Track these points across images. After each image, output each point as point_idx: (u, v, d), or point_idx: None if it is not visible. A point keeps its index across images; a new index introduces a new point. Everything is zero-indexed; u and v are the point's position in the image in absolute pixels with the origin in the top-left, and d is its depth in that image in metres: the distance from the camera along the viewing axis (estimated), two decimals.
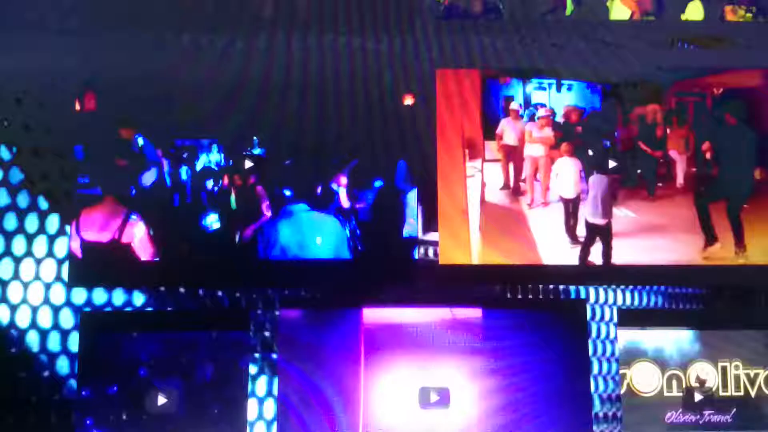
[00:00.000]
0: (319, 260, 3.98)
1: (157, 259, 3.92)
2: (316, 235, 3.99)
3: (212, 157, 4.04)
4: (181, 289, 3.88)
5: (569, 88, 4.16)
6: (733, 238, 4.02)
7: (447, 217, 3.99)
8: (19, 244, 3.86)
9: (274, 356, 3.83)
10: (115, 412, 3.82)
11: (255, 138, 4.09)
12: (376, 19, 4.17)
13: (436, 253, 3.97)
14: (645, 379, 3.91)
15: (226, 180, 4.01)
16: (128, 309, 3.85)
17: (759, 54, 4.20)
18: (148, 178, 3.97)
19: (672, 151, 4.12)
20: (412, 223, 4.00)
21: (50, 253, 3.88)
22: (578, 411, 3.88)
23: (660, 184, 4.09)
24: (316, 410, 3.82)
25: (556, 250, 3.98)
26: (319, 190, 4.07)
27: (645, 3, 4.29)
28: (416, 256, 3.96)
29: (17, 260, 3.85)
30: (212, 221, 3.95)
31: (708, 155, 4.08)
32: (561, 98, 4.16)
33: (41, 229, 3.89)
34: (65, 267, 3.85)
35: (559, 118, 4.14)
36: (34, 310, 3.81)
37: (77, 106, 4.00)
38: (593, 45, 4.17)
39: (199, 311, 3.88)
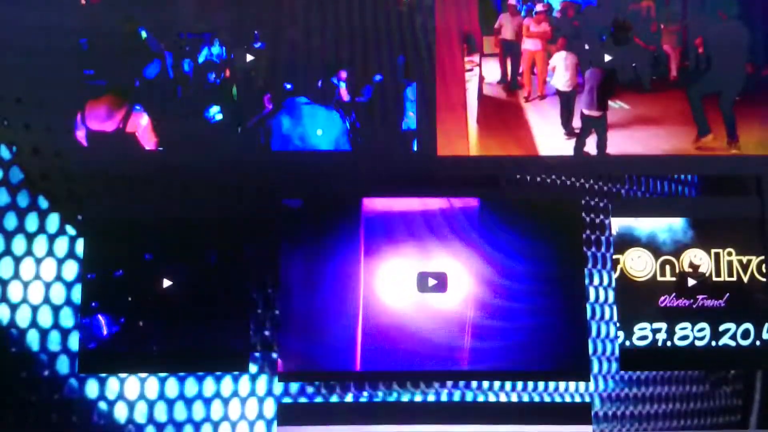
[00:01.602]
0: (320, 151, 4.40)
1: (161, 148, 4.32)
2: (317, 128, 4.41)
3: (214, 50, 4.44)
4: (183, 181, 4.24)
5: None
6: (726, 129, 4.42)
7: (445, 111, 4.42)
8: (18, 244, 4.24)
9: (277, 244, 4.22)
10: (120, 295, 4.19)
11: (255, 32, 4.47)
12: None
13: (434, 145, 4.36)
14: (638, 265, 4.33)
15: (228, 73, 4.41)
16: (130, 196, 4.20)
17: None
18: (152, 70, 4.38)
19: (666, 45, 4.53)
20: (411, 116, 4.40)
21: (50, 253, 4.26)
22: (572, 298, 4.28)
23: (654, 78, 4.50)
24: (318, 293, 4.24)
25: (552, 141, 4.39)
26: (319, 83, 4.48)
27: None
28: (415, 148, 4.36)
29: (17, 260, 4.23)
30: (215, 112, 4.36)
31: (700, 50, 4.49)
32: None
33: (41, 229, 4.26)
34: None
35: (556, 13, 4.54)
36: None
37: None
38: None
39: (201, 200, 4.26)
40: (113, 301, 4.23)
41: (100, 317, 4.22)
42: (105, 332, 4.23)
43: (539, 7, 4.65)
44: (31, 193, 4.28)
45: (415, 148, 4.47)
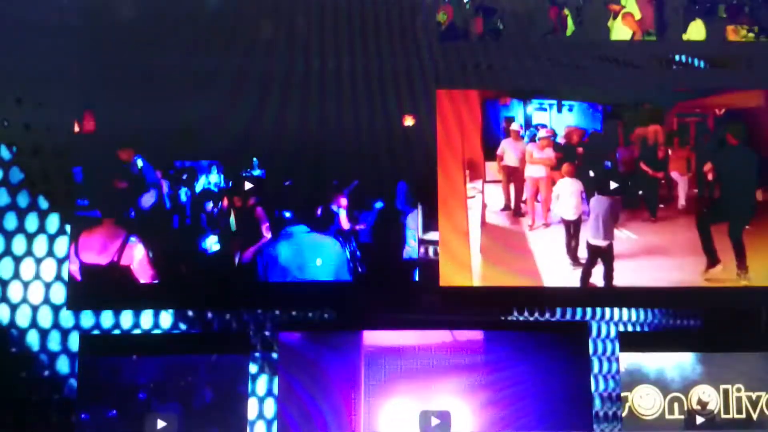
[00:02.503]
0: (319, 282, 4.48)
1: (157, 281, 4.41)
2: (317, 257, 4.51)
3: (212, 179, 4.56)
4: (180, 312, 4.34)
5: (570, 109, 4.72)
6: (735, 259, 4.51)
7: (447, 239, 4.51)
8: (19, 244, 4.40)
9: (275, 379, 4.31)
10: None
11: (255, 159, 4.58)
12: (376, 40, 4.69)
13: (436, 275, 4.45)
14: (647, 403, 4.40)
15: (225, 202, 4.51)
16: (127, 332, 4.30)
17: (761, 74, 4.75)
18: (148, 200, 4.48)
19: (673, 172, 4.65)
20: (413, 245, 4.51)
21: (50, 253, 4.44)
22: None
23: (662, 206, 4.62)
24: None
25: (557, 272, 4.49)
26: (319, 211, 4.58)
27: (646, 23, 4.85)
28: (417, 278, 4.45)
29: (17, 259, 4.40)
30: (212, 243, 4.46)
31: (710, 176, 4.63)
32: (562, 119, 4.72)
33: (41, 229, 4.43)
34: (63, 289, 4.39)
35: (560, 139, 4.68)
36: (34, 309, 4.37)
37: (76, 128, 4.47)
38: (594, 65, 4.71)
39: (198, 335, 4.35)
40: None
41: None
42: None
43: (543, 133, 4.76)
44: (31, 194, 4.44)
45: (417, 278, 4.55)
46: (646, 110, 4.81)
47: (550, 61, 4.84)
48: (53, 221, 4.45)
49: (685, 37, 4.98)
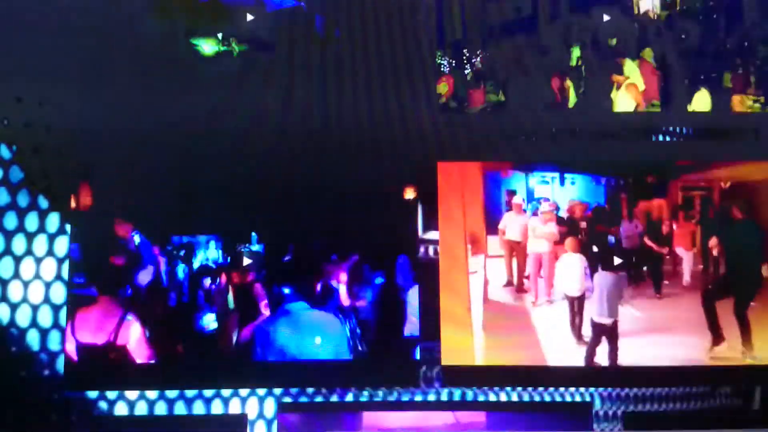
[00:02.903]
0: (319, 361, 4.50)
1: (154, 361, 4.42)
2: (316, 335, 4.52)
3: (210, 254, 4.57)
4: (177, 393, 4.36)
5: (573, 182, 4.72)
6: (740, 337, 4.53)
7: (449, 316, 4.54)
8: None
9: None
10: None
11: (253, 234, 4.60)
12: (377, 112, 4.72)
13: (438, 354, 4.46)
14: None
15: (224, 278, 4.53)
16: (123, 414, 4.33)
17: (767, 146, 4.77)
18: (144, 277, 4.50)
19: (678, 247, 4.67)
20: (414, 322, 4.52)
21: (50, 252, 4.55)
22: None
23: (666, 282, 4.63)
24: None
25: (561, 350, 4.51)
26: (318, 287, 4.60)
27: (650, 93, 4.87)
28: (418, 357, 4.46)
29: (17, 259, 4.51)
30: (209, 321, 4.47)
31: (715, 252, 4.64)
32: (565, 192, 4.73)
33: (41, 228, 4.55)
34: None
35: (563, 213, 4.68)
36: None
37: (72, 203, 4.50)
38: (597, 137, 4.73)
39: (195, 417, 4.37)
40: None
41: None
42: None
43: (545, 207, 4.79)
44: (31, 193, 4.53)
45: (418, 356, 4.56)
46: (649, 183, 4.83)
47: (553, 132, 4.87)
48: (53, 220, 4.54)
49: (690, 108, 5.00)
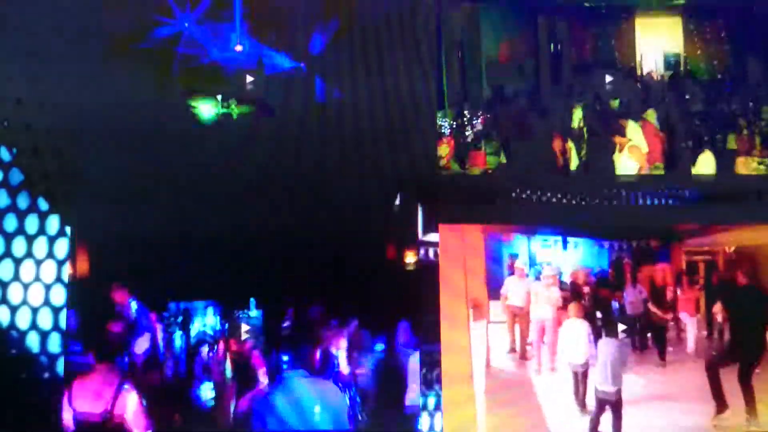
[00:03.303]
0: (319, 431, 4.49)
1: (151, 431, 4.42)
2: (315, 405, 4.50)
3: (208, 320, 4.58)
4: None
5: (575, 246, 4.74)
6: (745, 404, 4.53)
7: (451, 384, 4.52)
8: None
9: None
10: None
11: (252, 299, 4.61)
12: (377, 173, 4.75)
13: (440, 424, 4.47)
14: None
15: (221, 346, 4.54)
16: None
17: None
18: (142, 345, 4.51)
19: (682, 313, 4.69)
20: (415, 389, 4.52)
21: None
22: None
23: (671, 348, 4.65)
24: None
25: (565, 419, 4.51)
26: (318, 354, 4.59)
27: (653, 155, 4.89)
28: (419, 427, 4.47)
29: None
30: (207, 391, 4.47)
31: (719, 318, 4.66)
32: (567, 256, 4.74)
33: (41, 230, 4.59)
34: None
35: (566, 278, 4.69)
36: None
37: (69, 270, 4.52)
38: (600, 200, 4.75)
39: None
40: None
41: None
42: None
43: (548, 271, 4.81)
44: (32, 195, 4.55)
45: (420, 427, 4.56)
46: (653, 248, 4.85)
47: (555, 195, 4.89)
48: (53, 222, 4.56)
49: (694, 170, 5.03)
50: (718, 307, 4.81)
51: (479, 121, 5.05)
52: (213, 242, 4.74)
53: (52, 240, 4.55)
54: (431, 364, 4.69)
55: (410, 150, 4.90)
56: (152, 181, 4.77)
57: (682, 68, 5.13)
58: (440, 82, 5.02)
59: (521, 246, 4.91)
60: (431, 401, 4.65)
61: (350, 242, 4.78)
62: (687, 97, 5.07)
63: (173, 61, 4.93)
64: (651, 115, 5.08)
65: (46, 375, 4.45)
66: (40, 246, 4.53)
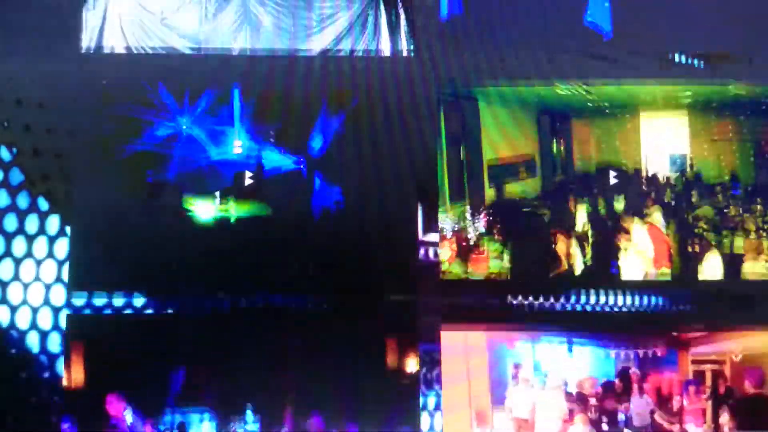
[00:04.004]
0: None
1: None
2: None
3: (203, 430, 4.57)
4: None
5: (581, 353, 4.75)
6: None
7: None
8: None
9: None
10: None
11: (249, 409, 4.61)
12: (378, 278, 4.76)
13: None
14: None
15: None
16: None
17: None
18: None
19: (689, 423, 4.71)
20: None
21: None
22: None
23: None
24: None
25: None
26: None
27: (660, 259, 4.91)
28: None
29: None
30: None
31: (726, 429, 4.66)
32: (573, 363, 4.75)
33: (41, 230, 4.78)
34: None
35: (572, 388, 4.69)
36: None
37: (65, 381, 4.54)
38: (605, 306, 4.78)
39: None
40: None
41: None
42: None
43: (554, 381, 4.80)
44: (32, 195, 4.73)
45: None
46: (660, 356, 4.87)
47: (558, 300, 4.92)
48: (53, 222, 4.73)
49: (700, 274, 5.05)
50: (725, 418, 4.83)
51: (481, 221, 5.07)
52: (209, 352, 4.75)
53: (52, 240, 4.73)
54: None
55: (412, 253, 4.92)
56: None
57: (688, 169, 5.17)
58: (441, 180, 5.04)
59: (526, 352, 4.92)
60: None
61: (350, 350, 4.79)
62: (693, 199, 5.11)
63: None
64: (656, 216, 5.11)
65: (47, 375, 4.59)
66: (40, 246, 4.71)
